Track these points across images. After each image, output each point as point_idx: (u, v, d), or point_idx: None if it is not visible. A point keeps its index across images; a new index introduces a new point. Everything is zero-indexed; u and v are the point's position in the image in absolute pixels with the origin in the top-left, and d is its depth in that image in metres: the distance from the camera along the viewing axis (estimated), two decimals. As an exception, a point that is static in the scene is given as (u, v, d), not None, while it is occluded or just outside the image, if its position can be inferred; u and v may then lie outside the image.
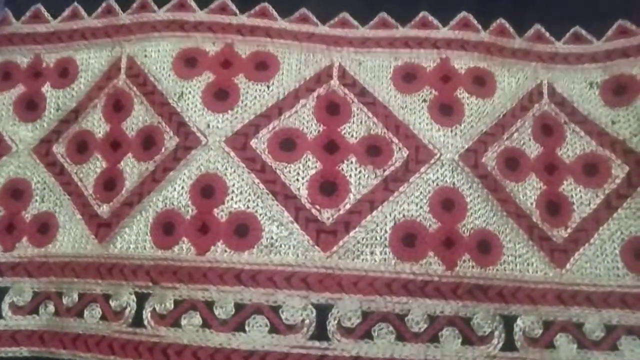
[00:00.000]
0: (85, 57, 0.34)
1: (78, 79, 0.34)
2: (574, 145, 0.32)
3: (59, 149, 0.33)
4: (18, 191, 0.33)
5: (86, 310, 0.30)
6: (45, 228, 0.32)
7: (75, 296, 0.30)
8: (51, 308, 0.31)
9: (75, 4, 0.35)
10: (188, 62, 0.33)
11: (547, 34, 0.35)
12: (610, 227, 0.30)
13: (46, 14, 0.35)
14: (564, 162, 0.32)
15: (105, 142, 0.33)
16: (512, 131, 0.32)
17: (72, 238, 0.31)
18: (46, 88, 0.34)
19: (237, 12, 0.34)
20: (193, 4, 0.34)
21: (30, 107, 0.34)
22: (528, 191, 0.31)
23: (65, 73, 0.34)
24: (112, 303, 0.30)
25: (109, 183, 0.32)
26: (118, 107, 0.33)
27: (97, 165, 0.32)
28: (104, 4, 0.35)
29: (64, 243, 0.31)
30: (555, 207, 0.31)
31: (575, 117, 0.33)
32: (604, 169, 0.32)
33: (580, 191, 0.32)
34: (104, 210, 0.31)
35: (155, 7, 0.34)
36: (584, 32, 0.35)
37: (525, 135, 0.32)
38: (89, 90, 0.34)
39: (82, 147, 0.33)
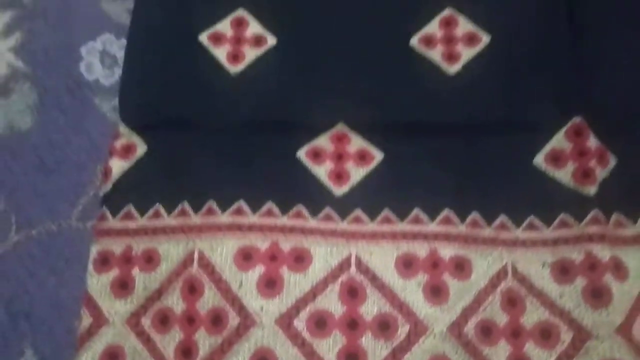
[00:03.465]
0: (166, 248, 0.46)
1: (160, 265, 0.45)
2: (533, 314, 0.43)
3: (146, 321, 0.44)
4: (114, 355, 0.43)
5: None
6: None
7: None
8: None
9: (158, 205, 0.47)
10: (245, 257, 0.44)
11: (510, 223, 0.46)
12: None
13: (135, 213, 0.47)
14: (526, 328, 0.43)
15: (182, 318, 0.43)
16: (485, 305, 0.43)
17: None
18: (135, 272, 0.45)
19: (280, 213, 0.46)
20: (247, 209, 0.46)
21: (123, 287, 0.45)
22: (500, 353, 0.42)
23: (150, 260, 0.45)
24: None
25: (186, 351, 0.42)
26: (192, 290, 0.44)
27: (176, 336, 0.43)
28: (180, 207, 0.47)
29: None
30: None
31: (533, 291, 0.44)
32: (555, 334, 0.42)
33: (538, 352, 0.42)
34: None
35: (219, 212, 0.46)
36: (537, 221, 0.46)
37: (495, 307, 0.43)
38: (169, 275, 0.45)
39: (164, 321, 0.44)
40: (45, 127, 0.53)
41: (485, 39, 0.53)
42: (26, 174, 0.51)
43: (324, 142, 0.49)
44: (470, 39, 0.53)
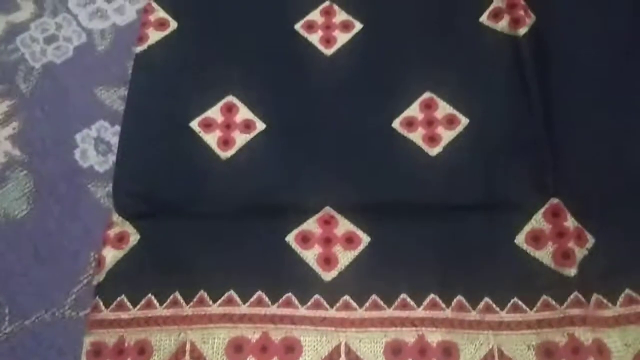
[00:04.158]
0: (158, 339, 0.46)
1: (152, 357, 0.46)
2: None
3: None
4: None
5: None
6: None
7: None
8: None
9: (150, 295, 0.48)
10: (236, 349, 0.45)
11: (494, 305, 0.48)
12: None
13: (128, 303, 0.48)
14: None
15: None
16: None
17: None
18: (128, 363, 0.46)
19: (270, 302, 0.47)
20: (238, 299, 0.47)
21: (115, 379, 0.46)
22: None
23: (142, 352, 0.46)
24: None
25: None
26: (185, 382, 0.44)
27: None
28: (171, 297, 0.48)
29: None
30: None
31: (519, 375, 0.45)
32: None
33: None
34: None
35: (210, 302, 0.47)
36: (520, 303, 0.48)
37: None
38: (161, 365, 0.45)
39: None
40: (41, 215, 0.54)
41: (464, 121, 0.56)
42: (21, 262, 0.52)
43: (312, 225, 0.51)
44: (450, 122, 0.56)
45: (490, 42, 0.60)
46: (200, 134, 0.56)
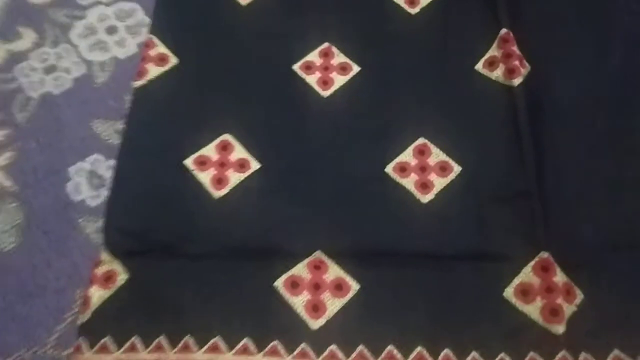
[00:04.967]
0: (141, 385, 0.45)
1: (134, 401, 0.45)
2: None
3: None
4: None
5: None
6: None
7: None
8: None
9: (135, 337, 0.47)
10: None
11: (481, 360, 0.47)
12: None
13: (112, 345, 0.47)
14: None
15: None
16: None
17: None
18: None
19: (256, 350, 0.46)
20: (223, 346, 0.46)
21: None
22: None
23: (124, 397, 0.45)
24: None
25: None
26: None
27: None
28: (157, 341, 0.47)
29: None
30: None
31: None
32: None
33: None
34: None
35: (196, 348, 0.46)
36: (508, 359, 0.47)
37: None
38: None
39: None
40: (28, 248, 0.53)
41: (456, 168, 0.56)
42: (5, 298, 0.52)
43: (302, 270, 0.51)
44: (443, 169, 0.56)
45: (485, 90, 0.61)
46: (194, 172, 0.56)
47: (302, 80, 0.62)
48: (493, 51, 0.62)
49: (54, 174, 0.57)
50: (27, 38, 0.66)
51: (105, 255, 0.51)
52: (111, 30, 0.66)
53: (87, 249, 0.53)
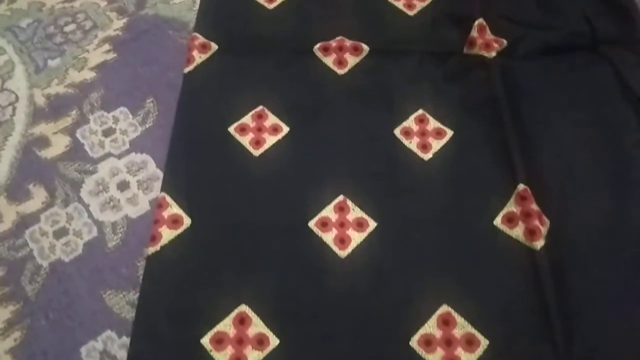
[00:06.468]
0: None
1: None
2: None
3: None
4: None
5: None
6: None
7: None
8: None
9: None
10: None
11: None
12: None
13: None
14: None
15: None
16: None
17: None
18: None
19: None
20: None
21: None
22: None
23: None
24: None
25: None
26: None
27: None
28: None
29: None
30: None
31: None
32: None
33: None
34: None
35: None
36: None
37: None
38: None
39: None
40: None
41: (483, 342, 0.55)
42: None
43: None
44: (469, 342, 0.54)
45: (505, 250, 0.60)
46: (212, 353, 0.53)
47: (319, 240, 0.60)
48: (510, 206, 0.62)
49: (65, 356, 0.55)
50: (37, 198, 0.65)
51: None
52: (123, 186, 0.65)
53: None
